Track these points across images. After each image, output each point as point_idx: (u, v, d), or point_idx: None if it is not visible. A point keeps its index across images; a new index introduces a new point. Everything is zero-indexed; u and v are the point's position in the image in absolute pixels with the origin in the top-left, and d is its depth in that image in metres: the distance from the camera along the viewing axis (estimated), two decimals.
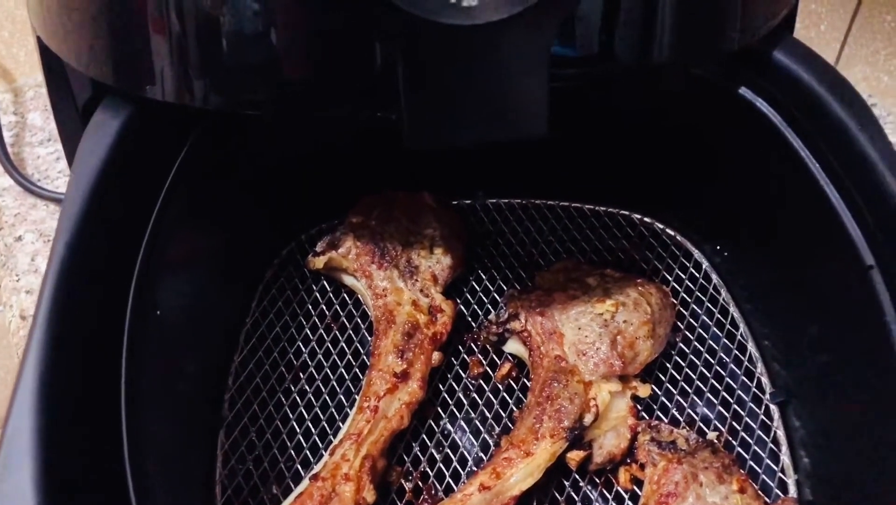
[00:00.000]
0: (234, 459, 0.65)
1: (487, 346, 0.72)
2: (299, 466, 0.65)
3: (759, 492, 0.62)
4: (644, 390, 0.67)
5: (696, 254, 0.78)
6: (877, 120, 0.57)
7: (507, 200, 0.83)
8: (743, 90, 0.63)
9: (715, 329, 0.73)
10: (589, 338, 0.67)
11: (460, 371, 0.72)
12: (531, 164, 0.79)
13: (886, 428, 0.55)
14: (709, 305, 0.75)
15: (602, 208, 0.82)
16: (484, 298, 0.76)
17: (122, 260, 0.54)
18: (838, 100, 0.58)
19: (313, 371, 0.71)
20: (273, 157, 0.72)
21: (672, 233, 0.80)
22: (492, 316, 0.72)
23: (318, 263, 0.73)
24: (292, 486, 0.64)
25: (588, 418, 0.64)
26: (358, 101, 0.55)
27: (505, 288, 0.76)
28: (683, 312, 0.74)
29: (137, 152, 0.58)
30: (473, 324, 0.75)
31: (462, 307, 0.75)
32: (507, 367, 0.71)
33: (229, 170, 0.68)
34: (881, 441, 0.56)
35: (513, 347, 0.71)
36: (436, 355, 0.69)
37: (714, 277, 0.76)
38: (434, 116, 0.51)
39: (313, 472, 0.62)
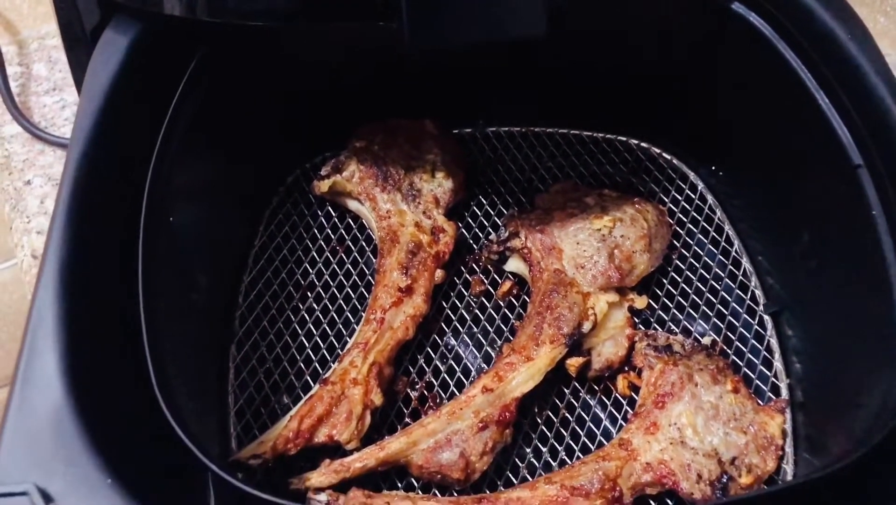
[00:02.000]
0: (246, 372, 0.68)
1: (489, 265, 0.74)
2: (309, 378, 0.68)
3: (752, 394, 0.64)
4: (641, 302, 0.70)
5: (692, 176, 0.80)
6: (865, 27, 0.59)
7: (506, 129, 0.84)
8: (736, 5, 0.65)
9: (710, 247, 0.75)
10: (587, 252, 0.69)
11: (462, 290, 0.74)
12: (529, 92, 0.81)
13: (874, 327, 0.57)
14: (704, 224, 0.77)
15: (600, 135, 0.83)
16: (485, 222, 0.78)
17: (135, 173, 0.56)
18: (828, 9, 0.60)
19: (320, 290, 0.73)
20: (277, 83, 0.74)
21: (668, 157, 0.81)
22: (493, 236, 0.74)
23: (323, 186, 0.75)
24: (302, 395, 0.66)
25: (586, 326, 0.66)
26: (358, 10, 0.56)
27: (505, 212, 0.78)
28: (680, 231, 0.76)
29: (145, 69, 0.60)
30: (475, 246, 0.77)
31: (463, 230, 0.77)
32: (507, 284, 0.73)
33: (236, 92, 0.69)
34: (869, 341, 0.58)
35: (513, 265, 0.73)
36: (439, 273, 0.71)
37: (709, 197, 0.78)
38: (432, 17, 0.53)
39: (323, 377, 0.64)
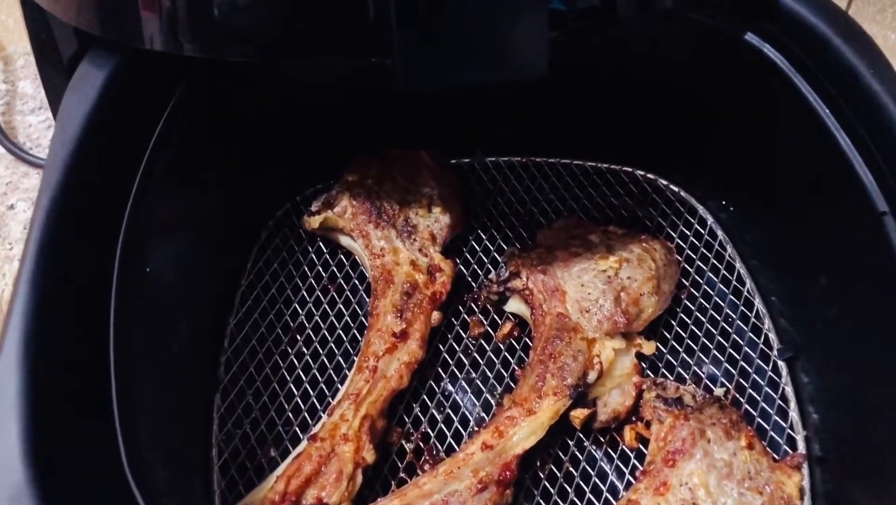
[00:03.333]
0: (231, 422, 0.64)
1: (488, 305, 0.71)
2: (297, 429, 0.64)
3: (768, 448, 0.61)
4: (649, 347, 0.66)
5: (701, 210, 0.76)
6: (888, 62, 0.55)
7: (506, 159, 0.81)
8: (749, 36, 0.61)
9: (721, 286, 0.71)
10: (592, 295, 0.65)
11: (461, 331, 0.70)
12: (531, 120, 0.77)
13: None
14: (714, 261, 0.73)
15: (604, 165, 0.80)
16: (484, 258, 0.74)
17: (109, 215, 0.52)
18: (848, 43, 0.56)
19: (310, 333, 0.70)
20: (265, 114, 0.70)
21: (676, 189, 0.78)
22: (492, 275, 0.71)
23: (314, 222, 0.72)
24: (290, 448, 0.62)
25: (592, 375, 0.62)
26: (351, 47, 0.52)
27: (505, 247, 0.74)
28: (688, 268, 0.73)
29: (123, 104, 0.56)
30: (474, 284, 0.73)
31: (462, 267, 0.74)
32: (508, 326, 0.69)
33: (220, 125, 0.66)
34: (890, 395, 0.55)
35: (514, 306, 0.69)
36: (435, 315, 0.67)
37: (719, 232, 0.74)
38: (429, 56, 0.49)
39: (312, 432, 0.60)
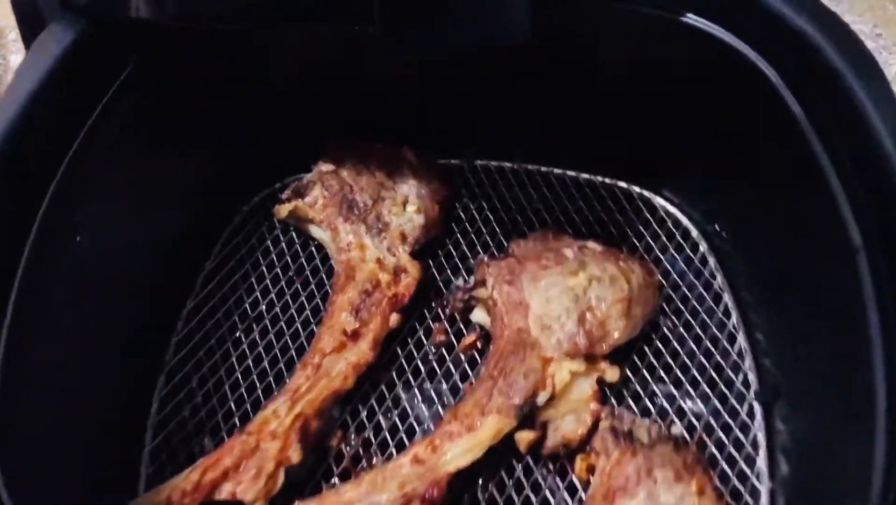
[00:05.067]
0: (170, 407, 0.62)
1: (456, 314, 0.67)
2: (237, 420, 0.62)
3: (726, 496, 0.56)
4: (612, 374, 0.61)
5: (695, 233, 0.71)
6: (888, 85, 0.50)
7: (497, 163, 0.77)
8: (742, 47, 0.56)
9: (705, 316, 0.66)
10: (555, 311, 0.61)
11: (423, 338, 0.67)
12: (526, 125, 0.74)
13: (856, 432, 0.48)
14: (701, 289, 0.68)
15: (599, 178, 0.75)
16: (460, 264, 0.71)
17: (42, 179, 0.51)
18: (849, 64, 0.51)
19: (268, 323, 0.67)
20: (243, 91, 0.68)
21: (672, 210, 0.73)
22: (460, 281, 0.67)
23: (283, 211, 0.70)
24: (227, 438, 0.60)
25: (542, 397, 0.58)
26: (332, 12, 0.53)
27: (484, 253, 0.71)
28: (672, 295, 0.68)
29: (78, 71, 0.55)
30: (445, 290, 0.70)
31: (435, 271, 0.70)
32: (472, 337, 0.66)
33: (185, 102, 0.64)
34: (851, 447, 0.49)
35: (479, 316, 0.66)
36: (394, 318, 0.64)
37: (711, 259, 0.69)
38: (407, 21, 0.50)
39: (240, 427, 0.58)
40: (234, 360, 0.65)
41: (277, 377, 0.64)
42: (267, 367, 0.65)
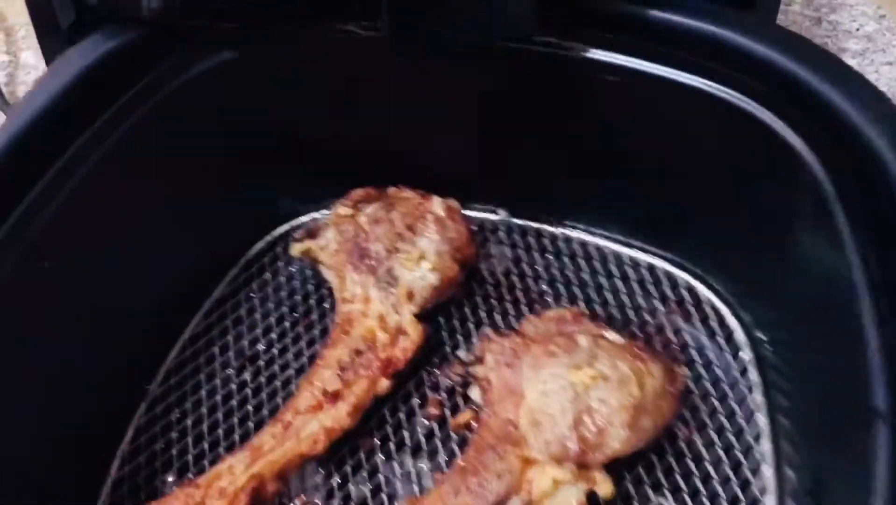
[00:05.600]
0: (144, 438, 0.61)
1: (456, 386, 0.62)
2: (207, 463, 0.59)
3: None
4: (605, 488, 0.54)
5: (742, 338, 0.62)
6: None
7: (536, 225, 0.71)
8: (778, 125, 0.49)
9: (731, 437, 0.58)
10: (550, 407, 0.55)
11: (416, 407, 0.62)
12: (576, 187, 0.68)
13: None
14: (733, 403, 0.59)
15: (645, 258, 0.68)
16: (473, 331, 0.66)
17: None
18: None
19: (261, 365, 0.64)
20: (276, 116, 0.66)
21: (719, 305, 0.64)
22: (462, 353, 0.62)
23: (295, 249, 0.67)
24: (193, 478, 0.58)
25: (515, 503, 0.52)
26: (338, 10, 0.54)
27: (502, 323, 0.65)
28: (700, 405, 0.59)
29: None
30: (452, 356, 0.65)
31: (447, 335, 0.65)
32: (467, 415, 0.60)
33: (219, 118, 0.64)
34: None
35: (476, 394, 0.60)
36: (383, 383, 0.60)
37: (753, 372, 0.60)
38: (414, 17, 0.51)
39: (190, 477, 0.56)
40: (218, 398, 0.63)
41: (259, 423, 0.61)
42: (250, 410, 0.62)
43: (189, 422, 0.62)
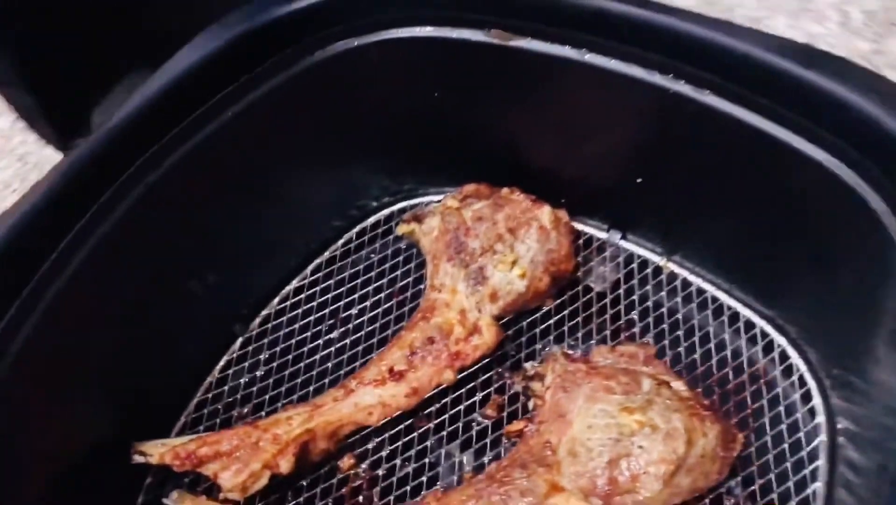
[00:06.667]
0: (233, 369, 0.68)
1: (521, 395, 0.63)
2: (280, 406, 0.65)
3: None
4: None
5: (820, 418, 0.58)
6: None
7: (644, 253, 0.69)
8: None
9: None
10: (591, 442, 0.55)
11: (478, 403, 0.64)
12: (694, 224, 0.66)
13: None
14: (791, 486, 0.56)
15: (747, 313, 0.64)
16: (553, 343, 0.66)
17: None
18: None
19: (350, 329, 0.69)
20: (428, 103, 0.69)
21: (809, 379, 0.60)
22: (528, 365, 0.63)
23: (400, 229, 0.70)
24: (264, 417, 0.63)
25: None
26: None
27: (581, 343, 0.65)
28: (756, 478, 0.57)
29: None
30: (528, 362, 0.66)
31: (525, 342, 0.66)
32: (520, 424, 0.61)
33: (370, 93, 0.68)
34: None
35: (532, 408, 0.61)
36: (448, 374, 0.62)
37: (823, 459, 0.56)
38: None
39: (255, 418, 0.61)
40: (304, 350, 0.68)
41: (333, 382, 0.65)
42: (329, 369, 0.67)
43: (274, 365, 0.68)
